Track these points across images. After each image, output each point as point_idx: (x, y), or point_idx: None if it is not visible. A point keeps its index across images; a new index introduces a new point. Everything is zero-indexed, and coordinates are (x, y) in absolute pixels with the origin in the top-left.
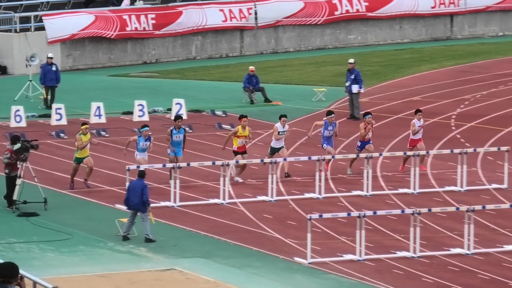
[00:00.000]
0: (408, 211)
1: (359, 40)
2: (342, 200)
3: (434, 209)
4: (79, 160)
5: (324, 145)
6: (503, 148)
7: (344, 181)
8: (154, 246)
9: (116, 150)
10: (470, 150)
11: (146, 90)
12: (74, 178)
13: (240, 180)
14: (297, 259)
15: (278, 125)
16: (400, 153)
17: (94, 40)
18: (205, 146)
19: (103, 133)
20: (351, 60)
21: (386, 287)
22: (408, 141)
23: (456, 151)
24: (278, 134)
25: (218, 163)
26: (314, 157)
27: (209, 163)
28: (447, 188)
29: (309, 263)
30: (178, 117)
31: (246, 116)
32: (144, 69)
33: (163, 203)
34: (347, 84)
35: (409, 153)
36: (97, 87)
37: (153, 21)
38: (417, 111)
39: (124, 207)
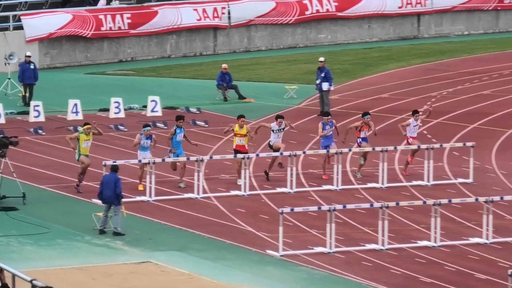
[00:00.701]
0: (376, 205)
1: (329, 39)
2: (313, 194)
3: (401, 203)
4: (82, 154)
5: (321, 146)
6: (469, 144)
7: (315, 176)
8: (130, 240)
9: (92, 146)
10: (437, 145)
11: (122, 88)
12: (81, 177)
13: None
14: (269, 251)
15: (273, 125)
16: (369, 149)
17: (71, 39)
18: None
19: (80, 129)
20: (321, 59)
21: (355, 278)
22: (405, 139)
23: (423, 146)
24: (273, 132)
25: (192, 158)
26: (285, 153)
27: (184, 158)
28: (415, 183)
29: (281, 256)
30: (180, 117)
31: (243, 116)
32: (120, 67)
33: (138, 198)
34: (318, 81)
35: (376, 148)
36: (74, 85)
37: (129, 21)
38: (415, 112)
39: (100, 202)
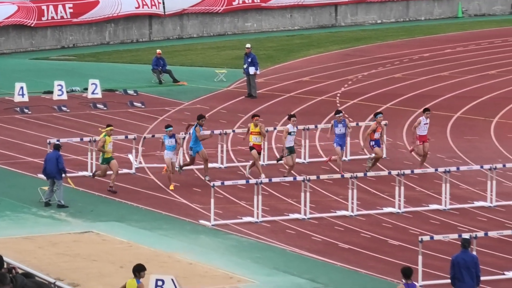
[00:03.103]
0: (299, 178)
1: (255, 27)
2: (242, 169)
3: (322, 176)
4: (106, 160)
5: (334, 144)
6: (382, 123)
7: (243, 152)
8: (73, 211)
9: (37, 125)
10: (353, 124)
11: (64, 72)
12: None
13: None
14: (202, 221)
15: (289, 126)
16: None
17: (17, 27)
18: (119, 122)
19: (26, 110)
20: (248, 45)
21: (280, 245)
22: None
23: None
24: (289, 134)
25: (130, 137)
26: (216, 131)
27: (122, 137)
28: (333, 158)
29: (212, 225)
30: (202, 116)
31: (258, 116)
32: (62, 53)
33: (81, 173)
34: (245, 66)
35: (299, 127)
36: (21, 69)
37: (71, 10)
38: (426, 109)
39: (44, 177)
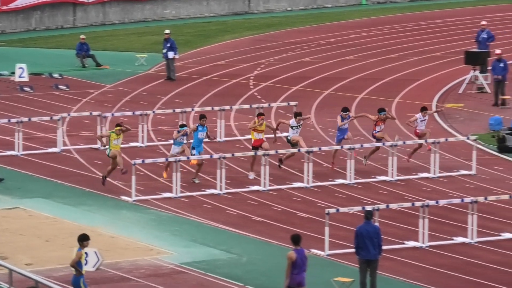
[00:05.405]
0: (215, 156)
1: (173, 14)
2: (161, 148)
3: (236, 154)
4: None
5: (338, 134)
6: (292, 103)
7: (162, 132)
8: (1, 189)
9: None
10: (265, 105)
11: None
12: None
13: (253, 177)
14: (123, 197)
15: (291, 121)
16: (209, 108)
17: None
18: (44, 104)
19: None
20: (167, 31)
21: (197, 219)
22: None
23: (254, 106)
24: (292, 128)
25: (55, 118)
26: (137, 112)
27: (48, 118)
28: (247, 137)
29: (134, 201)
30: (203, 116)
31: (263, 114)
32: None
33: (8, 152)
34: (164, 51)
35: (215, 108)
36: None
37: None
38: (423, 108)
39: None
